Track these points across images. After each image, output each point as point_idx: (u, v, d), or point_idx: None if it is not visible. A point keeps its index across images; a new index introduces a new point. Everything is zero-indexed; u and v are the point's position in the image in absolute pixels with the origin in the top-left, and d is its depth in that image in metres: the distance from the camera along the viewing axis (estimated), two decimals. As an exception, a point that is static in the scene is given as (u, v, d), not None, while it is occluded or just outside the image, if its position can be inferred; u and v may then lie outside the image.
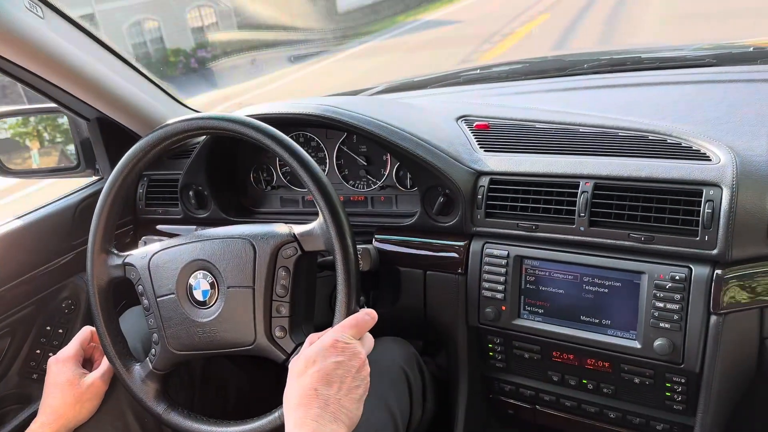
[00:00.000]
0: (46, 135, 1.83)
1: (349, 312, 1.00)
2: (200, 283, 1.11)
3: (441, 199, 1.31)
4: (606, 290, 1.18)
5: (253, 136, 1.06)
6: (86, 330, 1.24)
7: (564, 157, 1.26)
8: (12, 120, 1.74)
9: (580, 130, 1.34)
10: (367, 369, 0.94)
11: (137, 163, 1.14)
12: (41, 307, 1.52)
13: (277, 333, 1.07)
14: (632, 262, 1.14)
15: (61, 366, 1.17)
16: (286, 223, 1.11)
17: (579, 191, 1.19)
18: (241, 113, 1.08)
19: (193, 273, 1.11)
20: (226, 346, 1.10)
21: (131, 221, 1.70)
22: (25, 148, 1.79)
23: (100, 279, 1.16)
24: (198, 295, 1.11)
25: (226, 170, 1.58)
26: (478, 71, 1.92)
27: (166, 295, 1.12)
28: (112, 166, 1.67)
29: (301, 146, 1.54)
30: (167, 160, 1.72)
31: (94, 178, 1.70)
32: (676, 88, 1.49)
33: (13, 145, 1.78)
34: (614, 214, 1.16)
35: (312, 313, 1.13)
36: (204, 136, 1.48)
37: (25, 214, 1.48)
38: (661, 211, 1.13)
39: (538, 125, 1.40)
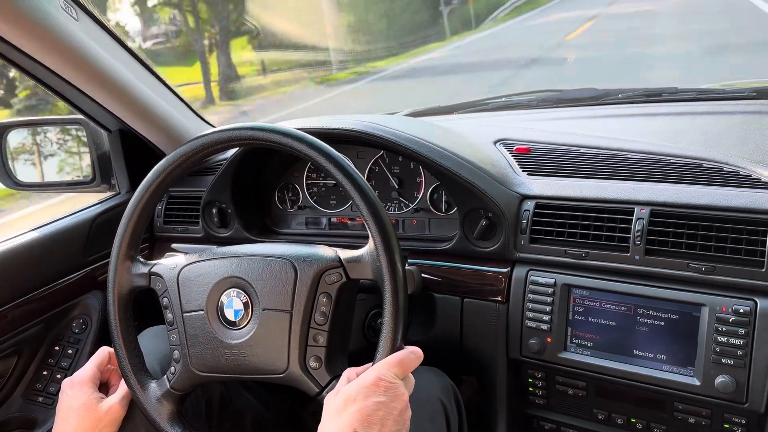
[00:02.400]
0: (61, 148, 1.77)
1: (394, 348, 0.94)
2: (233, 302, 1.04)
3: (483, 223, 1.25)
4: (662, 323, 1.11)
5: (303, 151, 1.00)
6: (104, 351, 1.16)
7: (615, 183, 1.21)
8: (26, 131, 1.68)
9: (629, 156, 1.29)
10: (409, 412, 0.88)
11: (177, 167, 1.07)
12: (50, 325, 1.43)
13: (312, 363, 1.00)
14: (691, 294, 1.08)
15: (76, 389, 1.09)
16: (330, 246, 1.05)
17: (634, 218, 1.14)
18: (292, 128, 1.03)
19: (226, 290, 1.04)
20: (254, 372, 1.03)
21: (147, 239, 1.63)
22: (38, 160, 1.73)
23: (121, 287, 1.09)
24: (229, 315, 1.04)
25: (252, 188, 1.52)
26: (506, 98, 1.88)
27: (195, 311, 1.05)
28: (131, 180, 1.64)
29: None
30: (188, 176, 1.66)
31: (110, 193, 1.63)
32: (723, 119, 1.45)
33: (27, 156, 1.71)
34: (672, 243, 1.11)
35: (347, 345, 1.06)
36: (232, 151, 1.42)
37: (35, 228, 1.41)
38: (722, 240, 1.07)
39: (582, 150, 1.35)
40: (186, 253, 1.13)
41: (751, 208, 1.06)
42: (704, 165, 1.20)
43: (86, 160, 1.69)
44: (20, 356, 1.37)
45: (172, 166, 1.08)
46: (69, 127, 1.72)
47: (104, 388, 1.15)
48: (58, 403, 1.08)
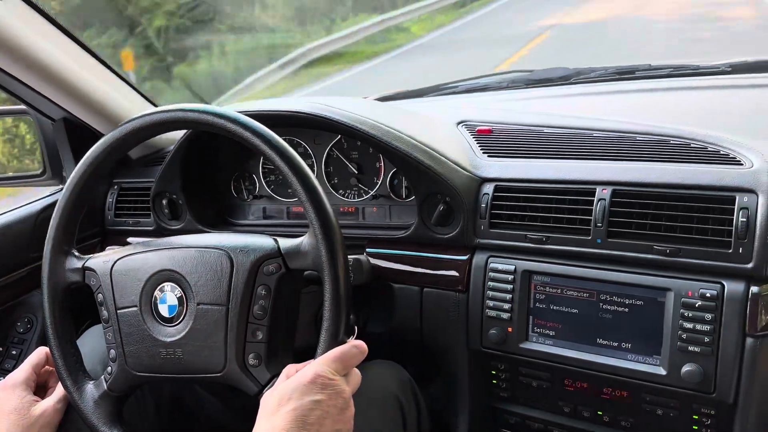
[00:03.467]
0: (12, 139, 1.70)
1: (336, 343, 0.88)
2: (167, 297, 0.98)
3: (441, 208, 1.18)
4: (626, 309, 1.05)
5: (238, 133, 0.94)
6: (41, 351, 1.10)
7: (577, 162, 1.14)
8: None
9: (594, 135, 1.22)
10: (352, 411, 0.82)
11: (107, 154, 1.01)
12: None
13: (251, 361, 0.93)
14: (656, 278, 1.02)
15: (9, 392, 1.02)
16: (270, 235, 0.98)
17: (595, 199, 1.07)
18: (230, 109, 0.97)
19: (160, 285, 0.98)
20: (191, 371, 0.97)
21: (99, 233, 1.56)
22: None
23: (55, 283, 1.03)
24: (164, 311, 0.98)
25: (204, 177, 1.45)
26: (477, 80, 1.81)
27: (128, 307, 0.99)
28: (80, 171, 1.56)
29: None
30: (140, 167, 1.59)
31: (60, 186, 1.56)
32: (694, 93, 1.39)
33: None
34: (635, 224, 1.04)
35: (292, 341, 1.00)
36: (180, 139, 1.35)
37: None
38: (688, 220, 1.01)
39: (546, 130, 1.28)
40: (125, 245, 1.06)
41: (718, 186, 1.00)
42: (671, 141, 1.14)
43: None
44: (-41, 358, 1.31)
45: (101, 154, 1.02)
46: (17, 117, 1.65)
47: (42, 391, 1.08)
48: None
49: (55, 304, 1.03)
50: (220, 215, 1.50)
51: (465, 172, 1.19)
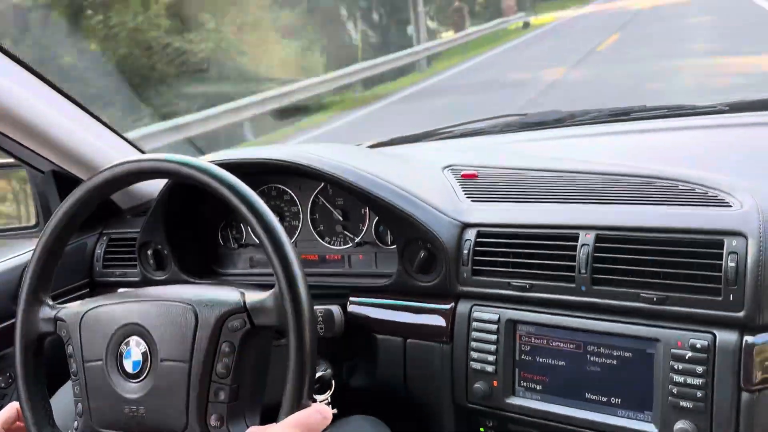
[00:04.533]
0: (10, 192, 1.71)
1: (299, 406, 0.83)
2: (132, 352, 0.95)
3: (422, 254, 1.14)
4: (614, 362, 0.99)
5: (205, 182, 0.92)
6: (11, 407, 1.07)
7: (560, 206, 1.10)
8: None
9: (579, 178, 1.18)
10: None
11: (81, 205, 1.00)
12: None
13: (213, 422, 0.89)
14: (644, 327, 0.96)
15: None
16: (250, 286, 0.95)
17: (578, 244, 1.02)
18: (200, 159, 0.96)
19: (126, 339, 0.95)
20: (154, 430, 0.93)
21: (88, 284, 1.54)
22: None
23: (28, 333, 1.00)
24: (128, 366, 0.95)
25: (190, 226, 1.43)
26: (472, 124, 1.79)
27: (94, 360, 0.96)
28: (69, 223, 1.56)
29: (273, 199, 1.41)
30: (130, 217, 1.59)
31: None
32: (686, 134, 1.35)
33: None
34: (620, 271, 0.99)
35: (259, 399, 0.95)
36: (163, 188, 1.34)
37: None
38: (674, 266, 0.95)
39: (531, 173, 1.25)
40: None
41: (706, 229, 0.95)
42: (657, 183, 1.09)
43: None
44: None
45: (74, 204, 1.01)
46: (12, 170, 1.66)
47: None
48: None
49: (27, 355, 1.01)
50: (207, 265, 1.47)
51: (446, 217, 1.15)
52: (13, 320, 1.39)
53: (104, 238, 1.55)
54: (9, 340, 1.39)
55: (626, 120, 1.53)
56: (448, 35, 15.95)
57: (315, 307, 1.08)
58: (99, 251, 1.54)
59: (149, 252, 1.40)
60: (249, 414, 0.92)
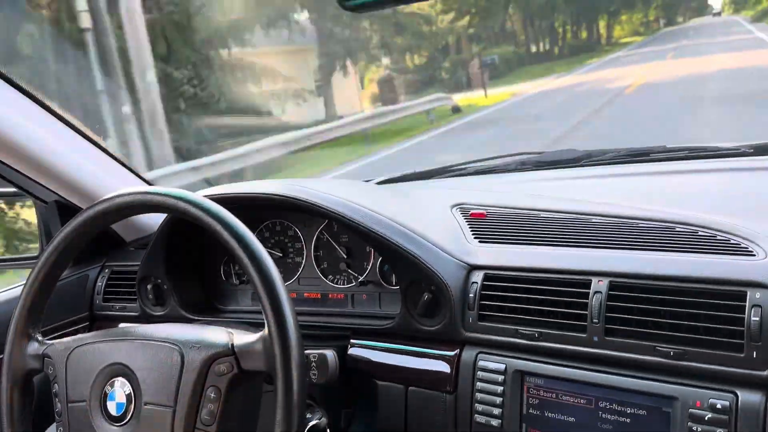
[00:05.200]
0: (13, 222, 1.70)
1: None
2: (116, 394, 0.91)
3: (425, 297, 1.09)
4: (628, 420, 0.92)
5: (198, 217, 0.90)
6: None
7: (573, 250, 1.05)
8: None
9: (593, 220, 1.12)
10: None
11: (77, 236, 0.99)
12: None
13: None
14: (660, 384, 0.89)
15: None
16: (245, 325, 0.91)
17: (591, 291, 0.96)
18: (196, 194, 0.93)
19: (111, 379, 0.92)
20: None
21: (88, 317, 1.51)
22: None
23: (15, 368, 0.98)
24: (112, 408, 0.91)
25: (191, 261, 1.39)
26: (485, 162, 1.74)
27: (78, 401, 0.93)
28: (73, 254, 1.54)
29: (277, 234, 1.37)
30: (133, 250, 1.56)
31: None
32: (709, 176, 1.28)
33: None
34: (635, 322, 0.93)
35: None
36: (163, 222, 1.31)
37: None
38: (694, 318, 0.89)
39: (543, 214, 1.19)
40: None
41: (728, 279, 0.88)
42: (676, 229, 1.03)
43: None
44: None
45: (66, 239, 0.99)
46: (21, 199, 1.65)
47: None
48: None
49: (13, 391, 0.98)
50: (208, 301, 1.43)
51: (452, 258, 1.10)
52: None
53: (106, 270, 1.52)
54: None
55: (645, 161, 1.47)
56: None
57: (308, 351, 1.04)
58: (100, 284, 1.51)
59: (149, 287, 1.37)
60: None
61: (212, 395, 0.85)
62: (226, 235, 0.87)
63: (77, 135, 1.34)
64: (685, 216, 1.06)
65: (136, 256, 1.50)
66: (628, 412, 0.92)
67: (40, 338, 1.00)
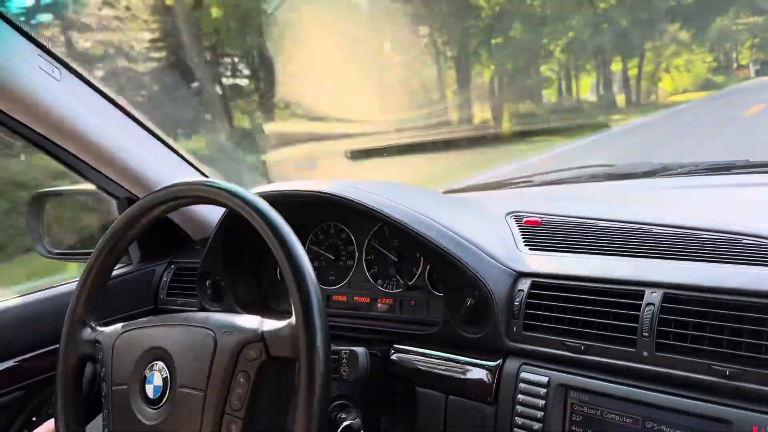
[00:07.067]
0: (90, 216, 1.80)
1: None
2: (154, 377, 0.93)
3: (468, 302, 1.05)
4: (677, 443, 0.84)
5: (236, 206, 0.91)
6: (49, 425, 1.08)
7: (627, 260, 0.98)
8: (58, 199, 1.72)
9: (654, 231, 1.05)
10: None
11: (128, 228, 1.02)
12: (31, 394, 1.38)
13: None
14: (714, 406, 0.81)
15: None
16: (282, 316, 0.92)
17: (643, 303, 0.90)
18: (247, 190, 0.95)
19: (150, 363, 0.94)
20: None
21: (152, 311, 1.57)
22: (69, 229, 1.76)
23: (69, 353, 1.02)
24: (149, 391, 0.93)
25: (248, 260, 1.42)
26: (554, 173, 1.68)
27: (120, 385, 0.95)
28: (141, 251, 1.61)
29: (331, 237, 1.37)
30: (199, 248, 1.61)
31: (121, 264, 1.60)
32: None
33: (58, 225, 1.75)
34: (690, 337, 0.85)
35: None
36: (221, 217, 1.34)
37: (28, 293, 1.39)
38: (756, 336, 0.81)
39: (601, 223, 1.13)
40: None
41: (797, 295, 0.80)
42: (744, 240, 0.94)
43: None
44: (-9, 424, 1.32)
45: (118, 231, 1.03)
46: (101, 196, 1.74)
47: None
48: None
49: (66, 375, 1.01)
50: (264, 300, 1.45)
51: (498, 264, 1.06)
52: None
53: (172, 266, 1.57)
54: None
55: (725, 174, 1.37)
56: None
57: (340, 347, 1.02)
58: (165, 279, 1.56)
59: (208, 282, 1.40)
60: None
61: (241, 380, 0.85)
62: (257, 219, 0.87)
63: (148, 134, 1.41)
64: (757, 228, 0.97)
65: (199, 254, 1.55)
66: (678, 435, 0.84)
67: (93, 325, 1.03)
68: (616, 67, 18.00)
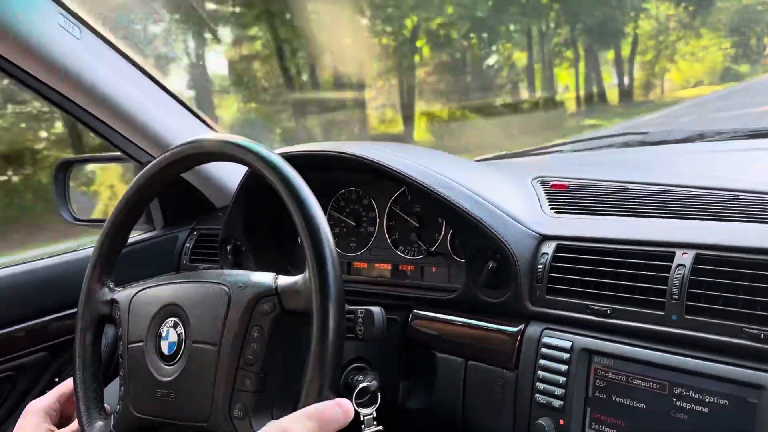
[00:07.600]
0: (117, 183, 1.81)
1: (318, 397, 0.76)
2: (170, 333, 0.92)
3: (490, 266, 1.02)
4: (705, 409, 0.80)
5: (240, 156, 0.89)
6: (69, 382, 1.08)
7: (657, 221, 0.93)
8: (84, 167, 1.73)
9: (687, 192, 1.00)
10: None
11: (148, 186, 1.00)
12: (55, 355, 1.39)
13: (236, 413, 0.83)
14: (746, 371, 0.77)
15: (27, 418, 1.01)
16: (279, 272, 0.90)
17: (673, 265, 0.85)
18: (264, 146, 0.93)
19: (165, 320, 0.93)
20: (179, 418, 0.89)
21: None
22: (94, 196, 1.77)
23: (87, 313, 1.01)
24: (164, 347, 0.92)
25: (268, 224, 1.40)
26: (586, 141, 1.63)
27: (136, 342, 0.95)
28: (165, 216, 1.61)
29: (352, 203, 1.35)
30: (221, 215, 1.60)
31: (145, 227, 1.61)
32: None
33: (85, 193, 1.76)
34: (722, 299, 0.81)
35: (290, 393, 0.88)
36: (241, 180, 1.33)
37: (52, 255, 1.40)
38: (794, 298, 0.76)
39: (631, 186, 1.08)
40: None
41: (840, 254, 0.74)
42: None
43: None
44: (16, 384, 1.34)
45: (134, 191, 1.02)
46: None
47: (69, 421, 1.07)
48: (15, 428, 1.02)
49: (85, 335, 1.02)
50: (284, 266, 1.44)
51: (522, 226, 1.02)
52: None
53: (195, 233, 1.57)
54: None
55: (765, 138, 1.30)
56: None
57: (355, 306, 1.00)
58: (188, 245, 1.56)
59: (228, 247, 1.39)
60: (277, 407, 0.85)
61: (255, 335, 0.84)
62: (271, 172, 0.85)
63: (167, 95, 1.40)
64: (798, 188, 0.91)
65: (222, 220, 1.54)
66: (707, 400, 0.80)
67: (111, 285, 1.03)
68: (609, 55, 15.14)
